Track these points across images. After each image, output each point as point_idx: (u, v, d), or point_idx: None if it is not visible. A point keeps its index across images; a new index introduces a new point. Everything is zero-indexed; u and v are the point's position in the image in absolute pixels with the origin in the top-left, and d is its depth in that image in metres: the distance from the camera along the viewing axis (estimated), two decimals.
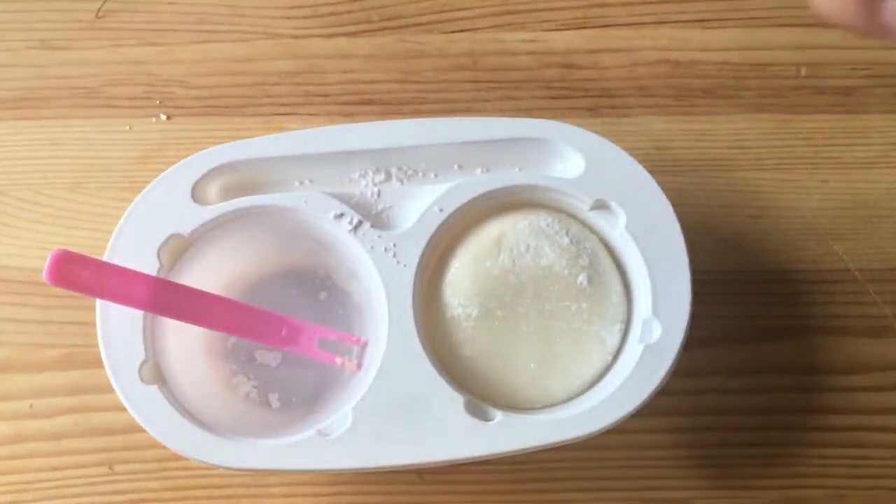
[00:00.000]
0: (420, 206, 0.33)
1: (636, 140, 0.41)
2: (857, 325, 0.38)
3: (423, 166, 0.34)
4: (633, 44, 0.42)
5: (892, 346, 0.38)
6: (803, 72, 0.42)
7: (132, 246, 0.32)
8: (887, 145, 0.41)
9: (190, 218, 0.32)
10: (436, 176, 0.34)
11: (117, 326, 0.31)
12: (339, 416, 0.31)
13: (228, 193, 0.34)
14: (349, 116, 0.41)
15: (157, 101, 0.41)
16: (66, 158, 0.40)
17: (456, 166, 0.34)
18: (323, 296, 0.36)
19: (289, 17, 0.43)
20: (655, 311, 0.32)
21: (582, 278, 0.33)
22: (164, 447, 0.30)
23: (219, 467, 0.30)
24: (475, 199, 0.33)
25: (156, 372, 0.31)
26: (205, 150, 0.33)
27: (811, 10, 0.20)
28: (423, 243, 0.32)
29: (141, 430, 0.30)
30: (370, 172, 0.34)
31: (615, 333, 0.33)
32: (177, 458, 0.30)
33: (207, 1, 0.43)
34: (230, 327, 0.32)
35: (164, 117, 0.41)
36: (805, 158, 0.41)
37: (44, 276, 0.29)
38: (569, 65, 0.42)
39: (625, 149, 0.33)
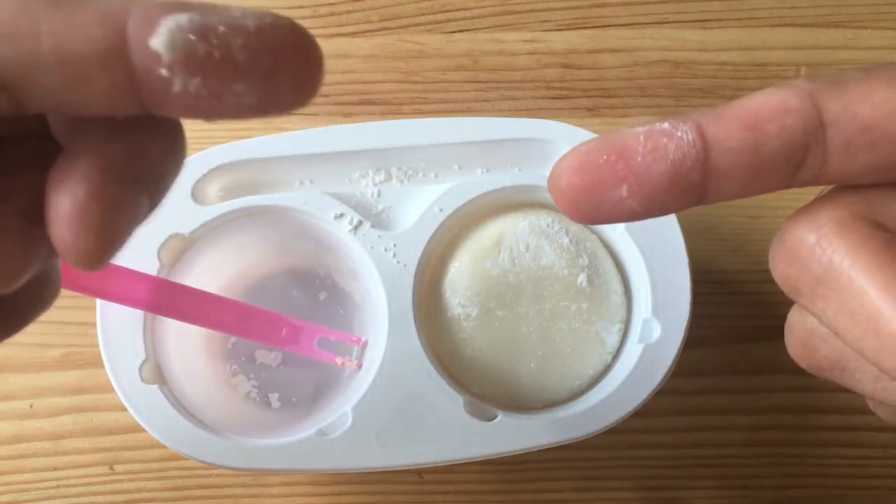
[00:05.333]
0: (420, 206, 0.33)
1: None
2: None
3: (423, 166, 0.34)
4: (632, 44, 0.42)
5: None
6: (803, 72, 0.42)
7: (132, 246, 0.31)
8: None
9: (190, 218, 0.32)
10: (436, 176, 0.34)
11: (117, 326, 0.31)
12: (339, 416, 0.31)
13: (228, 193, 0.34)
14: (349, 116, 0.41)
15: None
16: None
17: (456, 166, 0.34)
18: (323, 296, 0.36)
19: None
20: (655, 311, 0.32)
21: (582, 278, 0.33)
22: (164, 447, 0.30)
23: (219, 467, 0.30)
24: (475, 199, 0.33)
25: (156, 372, 0.31)
26: (205, 150, 0.33)
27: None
28: (423, 243, 0.32)
29: (141, 429, 0.30)
30: (370, 172, 0.34)
31: (615, 333, 0.33)
32: (177, 458, 0.30)
33: (207, 1, 0.43)
34: (230, 327, 0.32)
35: None
36: None
37: None
38: (568, 65, 0.42)
39: None
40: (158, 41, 0.13)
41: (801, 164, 0.16)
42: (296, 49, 0.14)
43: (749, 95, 0.16)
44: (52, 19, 0.13)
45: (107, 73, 0.13)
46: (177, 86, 0.13)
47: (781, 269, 0.17)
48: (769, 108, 0.16)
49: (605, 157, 0.16)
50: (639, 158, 0.16)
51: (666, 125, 0.16)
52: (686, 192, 0.16)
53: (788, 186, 0.16)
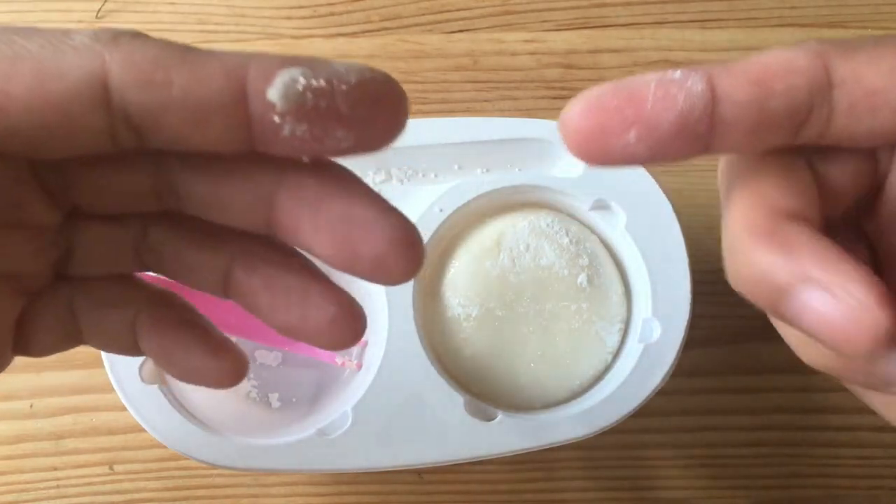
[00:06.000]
0: (420, 206, 0.33)
1: None
2: None
3: (423, 166, 0.34)
4: (633, 44, 0.42)
5: None
6: None
7: None
8: None
9: None
10: (436, 176, 0.34)
11: None
12: (339, 416, 0.31)
13: None
14: None
15: None
16: None
17: (456, 166, 0.34)
18: None
19: (289, 18, 0.43)
20: (655, 311, 0.32)
21: (582, 278, 0.33)
22: (164, 447, 0.30)
23: (219, 467, 0.30)
24: (475, 199, 0.33)
25: (156, 372, 0.31)
26: None
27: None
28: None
29: (141, 430, 0.30)
30: (370, 172, 0.34)
31: (615, 333, 0.33)
32: (177, 458, 0.30)
33: (207, 1, 0.43)
34: (230, 327, 0.32)
35: None
36: None
37: None
38: (569, 65, 0.42)
39: None
40: (274, 92, 0.15)
41: (804, 122, 0.16)
42: (389, 100, 0.16)
43: (762, 52, 0.16)
44: (182, 71, 0.15)
45: (226, 117, 0.15)
46: (285, 131, 0.15)
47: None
48: (778, 66, 0.16)
49: (615, 102, 0.16)
50: (648, 106, 0.16)
51: (678, 74, 0.16)
52: (692, 141, 0.16)
53: (793, 143, 0.17)
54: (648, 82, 0.16)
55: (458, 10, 0.43)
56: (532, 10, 0.43)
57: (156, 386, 0.31)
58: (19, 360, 0.39)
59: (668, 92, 0.16)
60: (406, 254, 0.17)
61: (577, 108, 0.17)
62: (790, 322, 0.16)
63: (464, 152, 0.34)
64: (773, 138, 0.16)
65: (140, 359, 0.31)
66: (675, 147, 0.16)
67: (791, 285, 0.15)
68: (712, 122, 0.16)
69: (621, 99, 0.16)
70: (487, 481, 0.36)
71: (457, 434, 0.30)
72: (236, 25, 0.42)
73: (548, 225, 0.33)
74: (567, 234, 0.33)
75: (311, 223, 0.16)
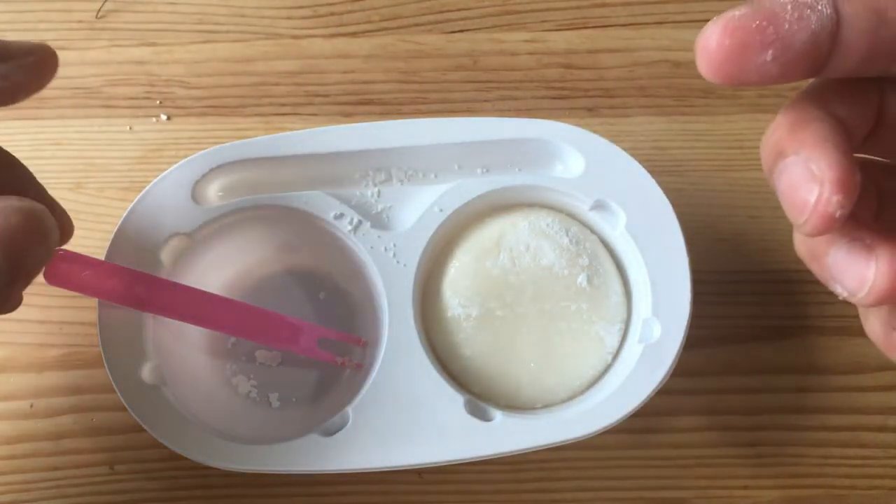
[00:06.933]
0: (420, 206, 0.33)
1: (636, 140, 0.41)
2: (857, 325, 0.38)
3: (423, 166, 0.34)
4: (633, 44, 0.42)
5: None
6: None
7: (132, 246, 0.32)
8: None
9: (190, 218, 0.32)
10: (436, 176, 0.34)
11: (117, 326, 0.31)
12: (339, 416, 0.31)
13: (228, 193, 0.34)
14: (349, 116, 0.41)
15: (158, 102, 0.41)
16: (66, 158, 0.40)
17: (456, 166, 0.34)
18: (323, 296, 0.36)
19: (289, 18, 0.43)
20: (655, 311, 0.32)
21: (582, 278, 0.33)
22: (164, 447, 0.30)
23: (219, 467, 0.30)
24: (475, 199, 0.33)
25: (156, 372, 0.31)
26: (205, 150, 0.33)
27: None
28: (423, 243, 0.32)
29: (141, 429, 0.30)
30: (370, 172, 0.34)
31: (615, 333, 0.33)
32: (177, 458, 0.30)
33: (207, 1, 0.43)
34: (230, 327, 0.32)
35: (164, 117, 0.41)
36: None
37: (43, 276, 0.29)
38: (568, 65, 0.42)
39: (625, 149, 0.33)
40: None
41: None
42: None
43: None
44: None
45: None
46: None
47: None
48: None
49: (756, 22, 0.17)
50: (786, 26, 0.17)
51: None
52: (816, 61, 0.18)
53: None
54: (784, 4, 0.17)
55: (458, 10, 0.43)
56: (532, 10, 0.43)
57: (156, 386, 0.31)
58: (19, 360, 0.39)
59: (803, 13, 0.17)
60: None
61: (718, 27, 0.18)
62: (774, 186, 0.19)
63: (464, 152, 0.34)
64: (883, 63, 0.18)
65: (140, 359, 0.31)
66: (802, 67, 0.17)
67: (784, 152, 0.18)
68: (833, 44, 0.17)
69: (762, 18, 0.17)
70: (487, 481, 0.36)
71: (457, 434, 0.30)
72: (236, 25, 0.42)
73: (548, 225, 0.33)
74: (567, 234, 0.33)
75: None
